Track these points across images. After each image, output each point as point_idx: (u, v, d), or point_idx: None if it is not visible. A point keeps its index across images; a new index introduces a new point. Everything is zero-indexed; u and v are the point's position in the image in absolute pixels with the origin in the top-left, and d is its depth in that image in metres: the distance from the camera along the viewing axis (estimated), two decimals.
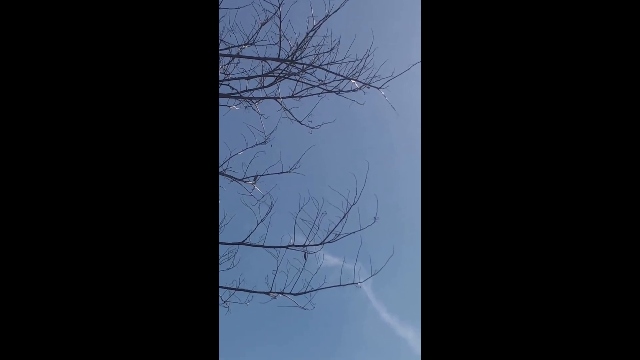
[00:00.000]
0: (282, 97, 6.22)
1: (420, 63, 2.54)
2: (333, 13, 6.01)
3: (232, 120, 6.27)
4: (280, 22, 5.90)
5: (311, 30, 6.05)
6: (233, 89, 6.08)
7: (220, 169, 6.07)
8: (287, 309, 5.82)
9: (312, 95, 6.31)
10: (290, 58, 6.09)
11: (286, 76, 6.17)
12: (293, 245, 5.92)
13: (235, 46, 6.04)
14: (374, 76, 6.18)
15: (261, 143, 6.22)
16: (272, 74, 6.10)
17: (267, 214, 5.95)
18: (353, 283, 5.95)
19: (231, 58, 6.08)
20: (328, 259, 5.99)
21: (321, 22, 6.05)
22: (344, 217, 5.89)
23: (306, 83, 6.21)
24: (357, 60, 6.14)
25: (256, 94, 6.19)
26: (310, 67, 6.19)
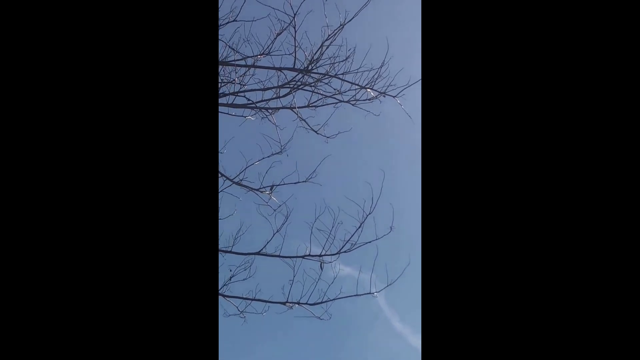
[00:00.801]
0: (298, 107, 6.24)
1: (421, 68, 2.54)
2: (348, 22, 6.03)
3: (248, 130, 6.30)
4: (295, 32, 5.93)
5: (326, 40, 6.07)
6: (249, 99, 6.11)
7: (236, 179, 6.10)
8: (300, 318, 5.82)
9: (327, 104, 6.32)
10: (305, 68, 6.11)
11: (301, 86, 6.19)
12: (309, 255, 5.92)
13: (250, 57, 6.08)
14: (390, 85, 6.18)
15: (277, 153, 6.23)
16: (287, 85, 6.12)
17: (283, 223, 5.96)
18: (369, 293, 5.93)
19: (247, 68, 6.11)
20: (341, 268, 5.98)
21: (336, 31, 6.07)
22: (359, 227, 5.87)
23: (321, 93, 6.22)
24: (372, 69, 6.15)
25: (272, 104, 6.22)
26: (326, 76, 6.20)
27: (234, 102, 6.09)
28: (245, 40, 6.01)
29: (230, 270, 5.89)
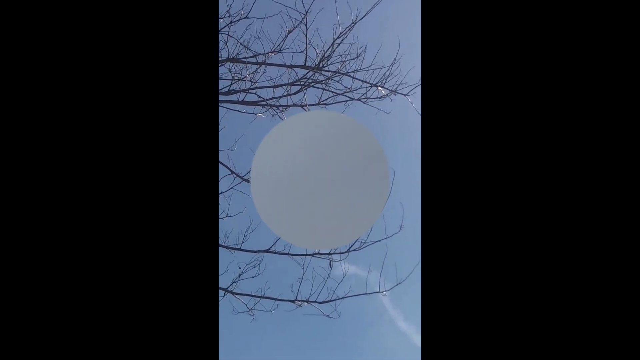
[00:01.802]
0: (309, 105, 6.22)
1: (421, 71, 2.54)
2: (359, 20, 6.01)
3: (258, 127, 6.29)
4: (307, 30, 5.91)
5: (337, 38, 6.05)
6: (259, 97, 6.11)
7: (246, 177, 6.10)
8: (306, 317, 5.83)
9: (338, 102, 6.31)
10: (316, 65, 6.09)
11: (312, 84, 6.17)
12: (318, 253, 5.91)
13: (262, 54, 6.08)
14: (401, 83, 6.15)
15: None
16: (298, 82, 6.11)
17: None
18: (379, 292, 5.92)
19: (258, 66, 6.11)
20: (349, 267, 5.97)
21: (348, 29, 6.05)
22: None
23: (332, 91, 6.21)
24: (383, 67, 6.13)
25: (283, 101, 6.21)
26: (337, 74, 6.19)
27: (244, 100, 6.09)
28: (257, 37, 6.01)
29: (240, 268, 5.91)
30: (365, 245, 5.87)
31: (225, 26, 5.91)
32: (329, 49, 6.03)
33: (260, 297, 5.83)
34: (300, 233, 2.50)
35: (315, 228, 2.50)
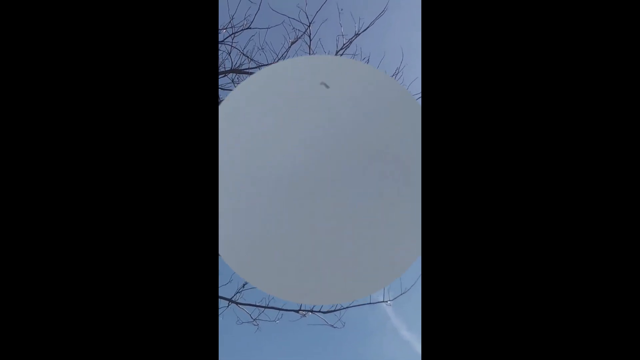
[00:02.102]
0: None
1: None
2: (363, 31, 6.05)
3: None
4: (310, 40, 5.95)
5: (341, 49, 6.09)
6: None
7: None
8: (310, 327, 5.83)
9: None
10: None
11: None
12: None
13: (265, 65, 6.11)
14: None
15: None
16: None
17: None
18: (383, 301, 5.93)
19: None
20: None
21: (351, 40, 6.09)
22: None
23: None
24: None
25: None
26: None
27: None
28: (260, 48, 6.06)
29: None
30: None
31: (228, 37, 5.95)
32: None
33: (265, 307, 5.83)
34: (281, 283, 1.45)
35: (307, 277, 1.43)
